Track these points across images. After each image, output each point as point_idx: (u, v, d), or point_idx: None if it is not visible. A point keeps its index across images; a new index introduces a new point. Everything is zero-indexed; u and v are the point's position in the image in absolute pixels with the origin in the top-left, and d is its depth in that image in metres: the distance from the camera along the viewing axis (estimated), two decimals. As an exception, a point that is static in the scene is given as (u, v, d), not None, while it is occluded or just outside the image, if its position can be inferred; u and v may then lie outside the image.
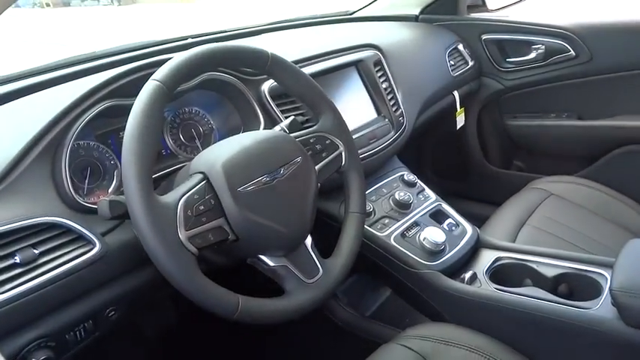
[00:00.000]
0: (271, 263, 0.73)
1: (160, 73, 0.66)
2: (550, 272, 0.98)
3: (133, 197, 0.59)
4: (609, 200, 1.37)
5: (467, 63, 1.63)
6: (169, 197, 0.63)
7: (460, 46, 1.62)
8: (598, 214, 1.32)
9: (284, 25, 1.50)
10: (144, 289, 0.80)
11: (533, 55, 1.58)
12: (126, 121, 0.67)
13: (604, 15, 1.52)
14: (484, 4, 1.71)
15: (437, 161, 1.91)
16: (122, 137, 0.87)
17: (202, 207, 0.65)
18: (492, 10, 1.71)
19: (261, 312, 0.66)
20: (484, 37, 1.64)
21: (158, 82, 0.65)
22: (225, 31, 1.41)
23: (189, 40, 1.26)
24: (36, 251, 0.67)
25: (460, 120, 1.62)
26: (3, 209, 0.67)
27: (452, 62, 1.57)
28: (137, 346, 1.25)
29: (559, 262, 0.99)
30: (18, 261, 0.65)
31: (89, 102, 0.77)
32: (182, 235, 0.62)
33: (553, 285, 0.97)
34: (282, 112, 1.00)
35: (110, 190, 0.85)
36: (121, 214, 0.65)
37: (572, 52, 1.50)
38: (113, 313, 0.76)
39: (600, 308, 0.85)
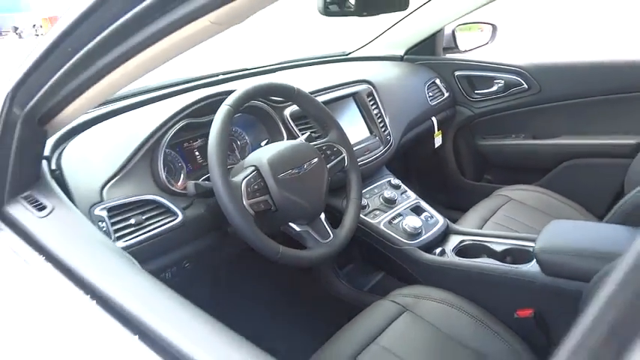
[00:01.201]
0: (298, 229, 1.07)
1: (231, 99, 1.01)
2: (499, 248, 1.32)
3: (218, 180, 0.93)
4: (557, 203, 1.72)
5: (443, 94, 2.00)
6: (237, 179, 0.98)
7: (437, 81, 2.01)
8: (547, 213, 1.66)
9: (295, 64, 1.87)
10: (207, 250, 1.13)
11: (495, 87, 1.96)
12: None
13: (550, 55, 1.91)
14: (457, 46, 2.10)
15: (421, 175, 2.27)
16: (186, 147, 1.24)
17: (256, 186, 0.99)
18: (463, 52, 2.10)
19: (292, 257, 1.00)
20: (457, 73, 2.03)
21: (229, 107, 1.00)
22: (247, 69, 1.77)
23: (220, 77, 1.63)
24: (143, 217, 1.01)
25: (438, 140, 1.98)
26: (122, 189, 1.01)
27: (430, 94, 1.94)
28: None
29: (506, 241, 1.34)
30: (132, 222, 0.99)
31: (174, 120, 1.12)
32: (245, 202, 0.96)
33: (501, 257, 1.30)
34: (300, 130, 1.36)
35: (179, 182, 1.19)
36: (200, 193, 0.99)
37: (525, 85, 1.89)
38: (187, 264, 1.09)
39: (531, 267, 1.19)
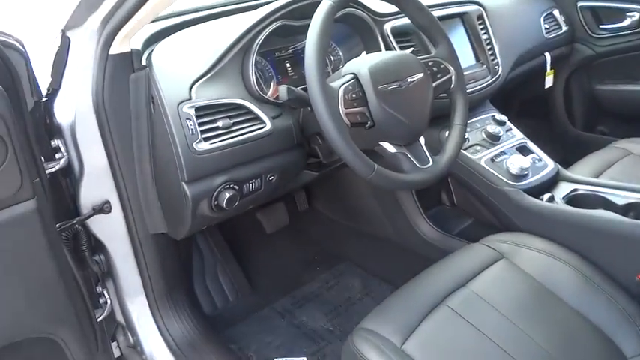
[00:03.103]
0: (394, 150, 0.95)
1: None
2: (621, 201, 1.14)
3: (315, 81, 0.83)
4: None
5: (560, 28, 1.75)
6: (334, 84, 0.88)
7: (555, 12, 1.75)
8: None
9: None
10: (291, 165, 1.06)
11: (627, 22, 1.68)
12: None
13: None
14: (584, -27, 1.81)
15: (524, 119, 2.04)
16: (277, 57, 1.14)
17: (354, 95, 0.88)
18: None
19: (387, 178, 0.89)
20: (580, 3, 1.76)
21: (332, 2, 0.88)
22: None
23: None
24: (231, 121, 0.94)
25: (549, 80, 1.75)
26: (211, 89, 0.94)
27: (546, 26, 1.70)
28: (259, 238, 1.55)
29: (630, 194, 1.14)
30: (220, 125, 0.92)
31: (268, 21, 1.03)
32: (342, 110, 0.86)
33: (623, 212, 1.12)
34: (400, 48, 1.22)
35: (269, 93, 1.10)
36: (293, 99, 0.90)
37: (667, 19, 1.59)
38: (272, 177, 1.02)
39: None
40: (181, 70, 0.94)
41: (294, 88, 0.91)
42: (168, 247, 1.14)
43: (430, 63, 1.03)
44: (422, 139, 1.00)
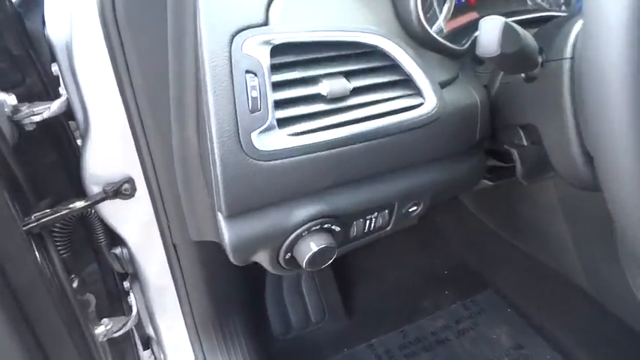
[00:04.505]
0: None
1: None
2: None
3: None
4: None
5: None
6: None
7: None
8: None
9: None
10: (459, 183, 0.53)
11: None
12: None
13: None
14: None
15: None
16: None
17: None
18: None
19: None
20: None
21: None
22: None
23: None
24: (349, 86, 0.42)
25: None
26: (314, 8, 0.42)
27: None
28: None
29: None
30: (324, 93, 0.41)
31: None
32: None
33: None
34: None
35: (436, 25, 0.55)
36: (510, 53, 0.35)
37: None
38: (415, 208, 0.51)
39: None
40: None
41: (518, 28, 0.35)
42: (218, 258, 0.71)
43: None
44: None
